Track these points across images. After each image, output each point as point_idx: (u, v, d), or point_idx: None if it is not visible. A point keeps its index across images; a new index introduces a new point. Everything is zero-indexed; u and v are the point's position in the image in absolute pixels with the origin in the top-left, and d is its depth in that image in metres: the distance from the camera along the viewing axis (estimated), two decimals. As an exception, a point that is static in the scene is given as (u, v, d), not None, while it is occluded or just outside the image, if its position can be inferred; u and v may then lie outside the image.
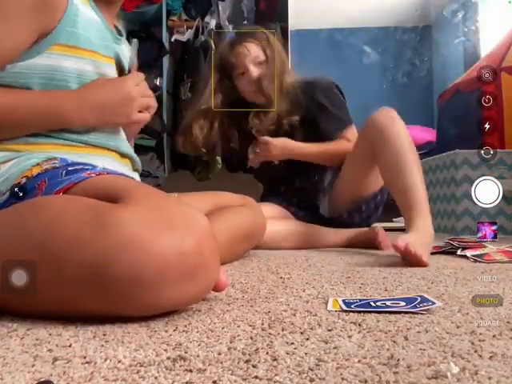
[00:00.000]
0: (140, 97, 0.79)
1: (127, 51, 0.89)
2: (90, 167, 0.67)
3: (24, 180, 0.64)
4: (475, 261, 1.02)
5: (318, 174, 1.56)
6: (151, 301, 0.48)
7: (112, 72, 0.82)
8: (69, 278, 0.47)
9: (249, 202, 1.11)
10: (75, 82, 0.75)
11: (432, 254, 1.18)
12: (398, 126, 1.25)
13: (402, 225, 1.24)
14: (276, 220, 1.45)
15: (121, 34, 0.88)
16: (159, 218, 0.49)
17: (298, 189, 1.59)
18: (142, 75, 0.82)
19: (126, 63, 0.87)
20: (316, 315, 0.52)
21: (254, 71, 1.48)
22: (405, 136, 1.23)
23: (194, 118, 1.52)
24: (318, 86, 1.53)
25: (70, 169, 0.65)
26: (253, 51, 1.48)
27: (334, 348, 0.40)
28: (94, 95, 0.75)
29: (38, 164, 0.67)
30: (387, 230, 1.48)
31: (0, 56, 0.68)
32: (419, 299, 0.57)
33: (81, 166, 0.67)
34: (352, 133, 1.51)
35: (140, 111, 0.80)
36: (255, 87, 1.49)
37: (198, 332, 0.45)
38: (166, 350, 0.39)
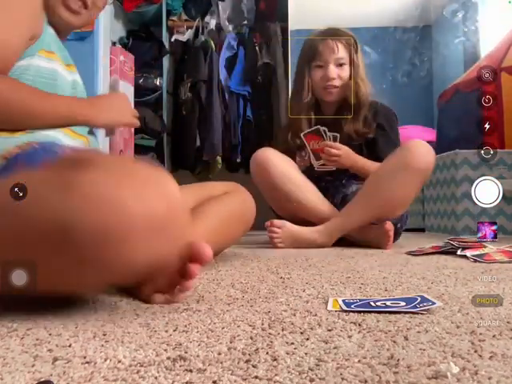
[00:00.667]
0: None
1: None
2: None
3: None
4: (475, 261, 1.02)
5: (345, 180, 1.60)
6: (121, 259, 0.47)
7: (79, 79, 0.97)
8: (32, 238, 0.47)
9: (236, 188, 1.13)
10: (60, 83, 0.86)
11: (432, 254, 1.19)
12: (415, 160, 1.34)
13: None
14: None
15: None
16: (123, 176, 0.49)
17: (324, 188, 1.61)
18: (127, 95, 1.02)
19: None
20: (316, 315, 0.52)
21: (332, 70, 1.55)
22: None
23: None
24: (382, 111, 1.61)
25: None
26: (340, 52, 1.56)
27: (334, 348, 0.40)
28: (105, 102, 0.92)
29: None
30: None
31: (12, 54, 0.77)
32: (419, 299, 0.57)
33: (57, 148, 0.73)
34: None
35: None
36: (327, 85, 1.56)
37: (198, 332, 0.45)
38: (166, 350, 0.39)
